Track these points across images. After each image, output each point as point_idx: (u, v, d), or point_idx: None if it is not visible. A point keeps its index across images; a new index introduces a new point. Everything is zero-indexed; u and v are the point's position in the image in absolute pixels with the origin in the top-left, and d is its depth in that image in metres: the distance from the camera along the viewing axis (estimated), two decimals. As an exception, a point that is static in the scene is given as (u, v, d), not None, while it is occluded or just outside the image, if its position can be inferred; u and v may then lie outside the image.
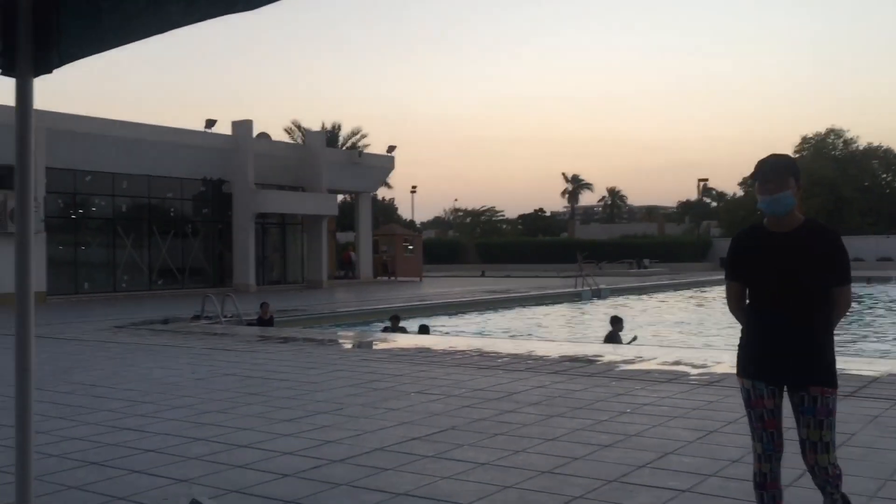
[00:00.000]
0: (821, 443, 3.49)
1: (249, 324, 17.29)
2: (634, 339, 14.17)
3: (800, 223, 3.51)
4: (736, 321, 3.87)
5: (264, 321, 17.07)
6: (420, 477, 5.16)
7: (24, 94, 2.77)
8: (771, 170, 3.49)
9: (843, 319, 3.74)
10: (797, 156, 67.17)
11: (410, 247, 41.79)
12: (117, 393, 8.54)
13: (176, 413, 7.40)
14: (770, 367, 3.54)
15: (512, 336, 18.63)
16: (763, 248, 3.54)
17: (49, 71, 2.86)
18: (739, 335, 3.74)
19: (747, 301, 3.67)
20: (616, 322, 14.04)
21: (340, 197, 40.68)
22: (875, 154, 65.10)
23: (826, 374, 3.49)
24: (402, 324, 16.83)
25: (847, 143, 66.08)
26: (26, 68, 2.74)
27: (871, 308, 26.52)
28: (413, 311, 21.55)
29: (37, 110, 2.81)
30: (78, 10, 2.76)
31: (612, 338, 13.72)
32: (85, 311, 21.30)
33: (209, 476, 5.28)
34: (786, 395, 3.62)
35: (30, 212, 2.76)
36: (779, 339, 3.50)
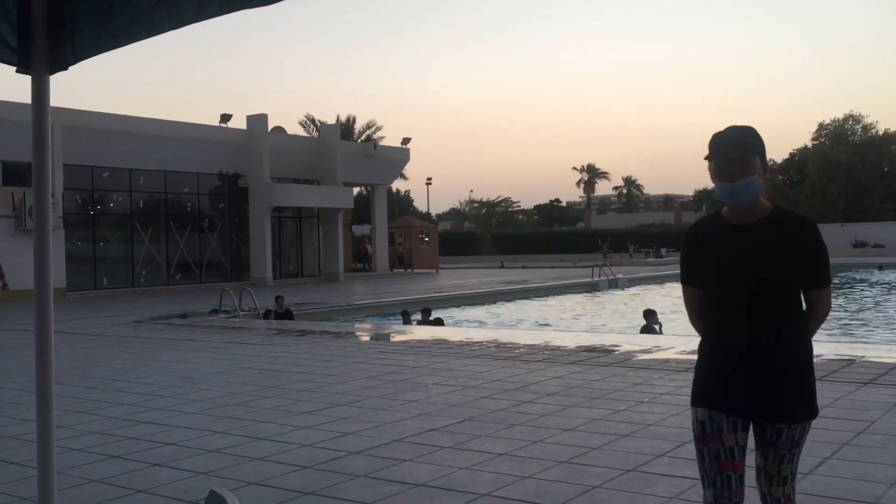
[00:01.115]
0: (778, 476, 2.88)
1: (265, 315, 17.37)
2: (660, 327, 14.11)
3: (767, 212, 2.82)
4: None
5: (280, 315, 17.14)
6: (438, 468, 5.18)
7: (40, 91, 2.79)
8: (732, 148, 2.75)
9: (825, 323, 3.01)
10: (815, 142, 66.67)
11: (426, 238, 41.82)
12: (137, 387, 8.61)
13: (195, 406, 7.46)
14: (733, 395, 2.81)
15: (529, 327, 18.62)
16: (724, 245, 2.83)
17: (65, 68, 2.88)
18: (697, 356, 3.00)
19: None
20: (650, 315, 13.98)
21: (356, 190, 40.74)
22: (894, 139, 64.44)
23: (801, 406, 2.81)
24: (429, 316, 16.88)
25: (866, 128, 65.45)
26: (42, 65, 2.76)
27: (890, 294, 26.31)
28: (430, 303, 21.56)
29: (53, 107, 2.83)
30: (91, 6, 2.77)
31: (648, 331, 13.66)
32: (104, 307, 21.47)
33: (229, 468, 5.32)
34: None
35: (48, 208, 2.78)
36: (745, 358, 2.79)
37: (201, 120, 32.52)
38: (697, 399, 2.91)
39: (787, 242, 2.76)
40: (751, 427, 2.89)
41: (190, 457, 5.65)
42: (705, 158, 2.81)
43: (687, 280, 3.00)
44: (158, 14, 2.70)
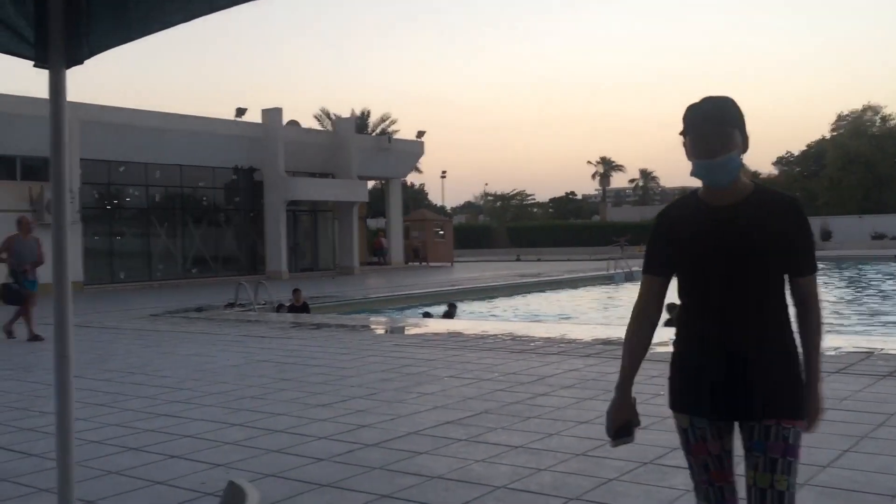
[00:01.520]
0: (772, 491, 2.43)
1: (279, 307, 17.43)
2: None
3: (748, 192, 2.51)
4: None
5: (297, 308, 17.20)
6: (454, 460, 5.18)
7: (57, 85, 2.81)
8: (709, 122, 2.45)
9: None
10: (833, 133, 66.12)
11: (441, 232, 41.83)
12: (154, 380, 8.66)
13: (212, 399, 7.50)
14: (713, 396, 2.53)
15: (544, 320, 18.59)
16: (704, 230, 2.52)
17: (81, 62, 2.89)
18: (672, 352, 2.73)
19: (677, 305, 2.71)
20: (673, 309, 13.95)
21: (371, 183, 40.79)
22: (913, 130, 63.85)
23: (789, 401, 2.48)
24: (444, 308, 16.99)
25: (885, 119, 64.87)
26: (59, 60, 2.77)
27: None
28: (446, 297, 21.60)
29: (70, 102, 2.84)
30: (106, 0, 2.79)
31: (672, 324, 13.64)
32: (121, 300, 21.60)
33: (246, 461, 5.35)
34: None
35: (65, 203, 2.80)
36: (724, 354, 2.50)
37: (216, 114, 32.59)
38: (675, 403, 2.66)
39: (775, 225, 2.46)
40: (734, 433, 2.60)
41: (207, 449, 5.68)
42: (680, 134, 2.51)
43: (652, 268, 2.66)
44: (171, 6, 2.71)
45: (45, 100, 2.82)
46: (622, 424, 2.75)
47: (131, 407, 7.24)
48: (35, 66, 2.84)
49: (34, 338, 12.33)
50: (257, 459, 5.38)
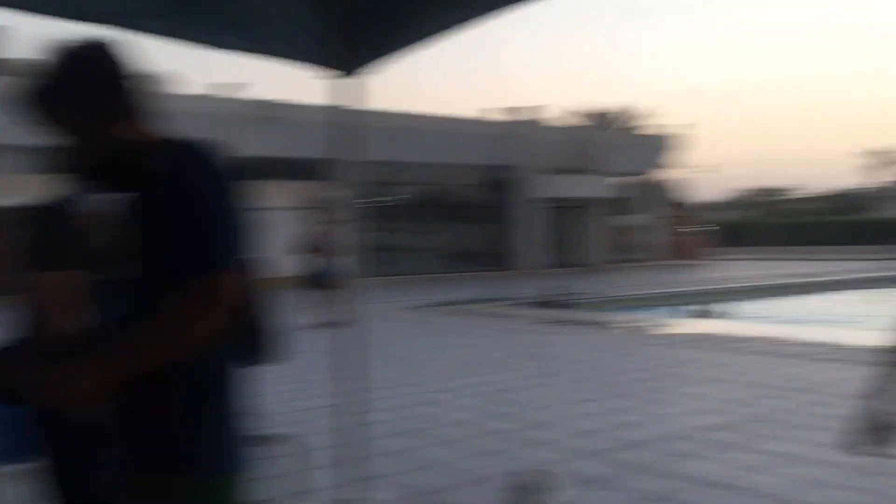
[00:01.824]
0: None
1: (535, 303, 17.65)
2: None
3: None
4: None
5: (548, 303, 17.33)
6: (724, 466, 4.98)
7: (355, 93, 3.04)
8: None
9: None
10: None
11: (699, 228, 40.32)
12: (421, 367, 9.12)
13: (473, 389, 7.75)
14: None
15: (815, 323, 17.31)
16: None
17: (372, 71, 3.11)
18: None
19: None
20: None
21: (620, 179, 40.24)
22: None
23: None
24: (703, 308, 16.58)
25: None
26: (358, 69, 3.01)
27: None
28: (704, 296, 20.83)
29: (339, 107, 3.07)
30: (397, 14, 2.97)
31: None
32: (382, 293, 22.93)
33: (509, 451, 5.48)
34: None
35: (347, 202, 3.03)
36: None
37: (461, 113, 33.71)
38: None
39: None
40: None
41: (472, 437, 5.89)
42: None
43: None
44: (455, 13, 2.83)
45: (325, 106, 3.04)
46: (867, 438, 2.39)
47: (400, 393, 7.67)
48: (335, 76, 3.10)
49: (325, 324, 13.07)
50: (523, 451, 5.49)
